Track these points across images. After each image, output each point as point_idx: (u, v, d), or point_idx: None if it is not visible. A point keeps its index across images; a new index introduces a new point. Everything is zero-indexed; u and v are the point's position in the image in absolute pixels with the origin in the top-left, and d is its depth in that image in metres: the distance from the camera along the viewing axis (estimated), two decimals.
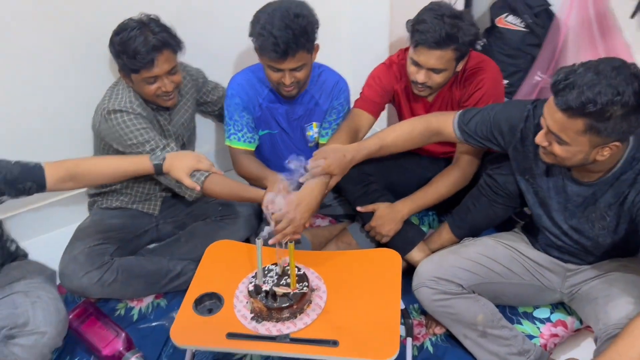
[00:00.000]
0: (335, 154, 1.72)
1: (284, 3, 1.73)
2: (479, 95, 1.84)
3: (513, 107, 1.62)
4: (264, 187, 1.77)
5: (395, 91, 2.00)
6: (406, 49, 1.92)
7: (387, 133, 1.79)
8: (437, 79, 1.78)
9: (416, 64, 1.78)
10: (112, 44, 1.76)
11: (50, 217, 2.20)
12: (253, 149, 2.02)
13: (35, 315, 1.58)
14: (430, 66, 1.75)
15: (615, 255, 1.56)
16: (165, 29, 1.78)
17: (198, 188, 1.72)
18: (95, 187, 2.02)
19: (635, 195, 1.38)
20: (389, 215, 1.88)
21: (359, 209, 1.94)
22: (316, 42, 1.80)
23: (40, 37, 1.88)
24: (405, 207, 1.89)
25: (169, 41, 1.76)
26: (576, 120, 1.28)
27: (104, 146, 1.89)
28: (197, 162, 1.74)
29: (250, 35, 1.75)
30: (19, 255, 1.84)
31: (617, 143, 1.31)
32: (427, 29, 1.68)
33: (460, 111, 1.72)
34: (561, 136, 1.33)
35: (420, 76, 1.78)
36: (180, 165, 1.72)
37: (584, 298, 1.61)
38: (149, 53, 1.71)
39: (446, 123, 1.72)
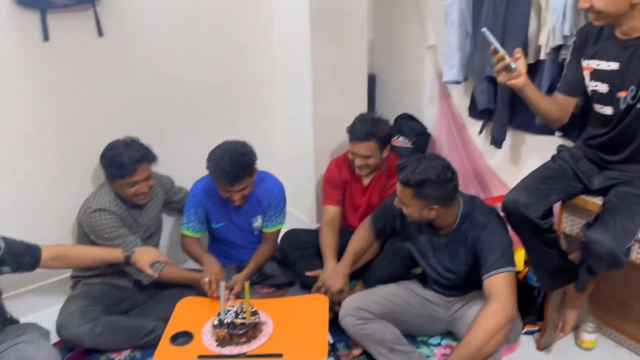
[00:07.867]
0: (334, 279, 2.28)
1: (231, 145, 2.32)
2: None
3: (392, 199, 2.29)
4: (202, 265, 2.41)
5: (343, 180, 2.70)
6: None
7: (354, 244, 2.37)
8: (370, 162, 2.53)
9: (353, 153, 2.53)
10: (104, 157, 2.31)
11: (34, 302, 2.57)
12: (198, 237, 2.56)
13: (40, 356, 1.92)
14: (361, 154, 2.50)
15: (476, 285, 2.14)
16: (144, 147, 2.35)
17: (156, 275, 2.29)
18: (77, 269, 2.46)
19: (472, 236, 2.03)
20: (336, 275, 2.30)
21: (307, 274, 2.46)
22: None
23: (52, 152, 2.46)
24: (343, 266, 2.33)
25: (147, 156, 2.33)
26: (407, 190, 1.97)
27: (82, 235, 2.40)
28: (158, 256, 2.34)
29: (207, 168, 2.32)
30: (14, 321, 2.21)
31: (436, 206, 1.97)
32: (355, 130, 2.49)
33: (371, 214, 2.40)
34: (403, 200, 2.01)
35: (357, 161, 2.54)
36: (144, 258, 2.30)
37: (458, 318, 2.18)
38: (133, 164, 2.26)
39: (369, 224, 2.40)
